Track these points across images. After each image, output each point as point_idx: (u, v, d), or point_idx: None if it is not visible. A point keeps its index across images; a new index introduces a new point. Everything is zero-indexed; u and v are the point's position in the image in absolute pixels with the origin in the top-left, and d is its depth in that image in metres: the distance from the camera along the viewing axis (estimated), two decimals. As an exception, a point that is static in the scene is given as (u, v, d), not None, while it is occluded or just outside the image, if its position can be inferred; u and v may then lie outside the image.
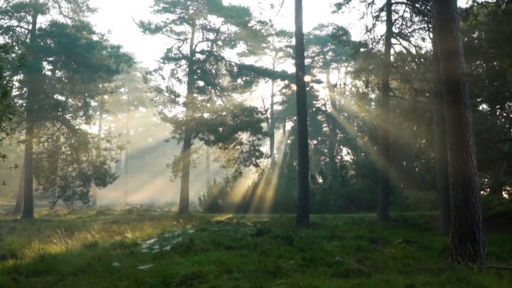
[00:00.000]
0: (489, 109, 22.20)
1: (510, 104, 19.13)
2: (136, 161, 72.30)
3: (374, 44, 23.25)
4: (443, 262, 9.15)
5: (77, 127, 29.40)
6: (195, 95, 31.24)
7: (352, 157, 41.60)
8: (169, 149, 47.10)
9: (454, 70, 9.25)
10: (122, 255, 9.76)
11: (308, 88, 44.06)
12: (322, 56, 49.92)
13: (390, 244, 12.20)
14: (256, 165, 30.81)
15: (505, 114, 21.39)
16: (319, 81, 46.27)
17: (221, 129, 29.55)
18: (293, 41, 28.53)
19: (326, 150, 49.31)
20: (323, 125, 49.87)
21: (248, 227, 14.78)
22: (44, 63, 29.06)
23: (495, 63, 17.41)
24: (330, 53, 49.16)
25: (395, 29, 23.10)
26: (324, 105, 49.36)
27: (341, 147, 48.08)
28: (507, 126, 20.38)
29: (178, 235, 11.55)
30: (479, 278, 6.65)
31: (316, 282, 6.43)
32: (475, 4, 17.34)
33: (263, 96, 48.89)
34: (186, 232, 12.10)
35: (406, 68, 24.30)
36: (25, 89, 28.56)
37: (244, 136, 31.57)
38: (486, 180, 23.85)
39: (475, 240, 8.87)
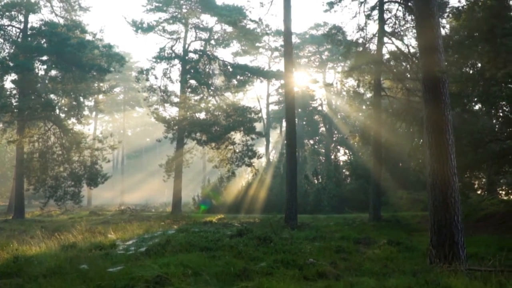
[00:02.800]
0: (483, 108, 21.91)
1: (502, 103, 18.83)
2: (133, 160, 72.30)
3: (366, 43, 23.06)
4: (422, 264, 8.93)
5: (70, 127, 29.17)
6: (188, 94, 31.03)
7: (348, 157, 41.38)
8: (166, 149, 46.90)
9: (433, 67, 9.03)
10: (96, 257, 9.55)
11: (304, 88, 43.91)
12: (318, 55, 49.71)
13: (374, 245, 11.99)
14: (249, 165, 30.56)
15: (501, 114, 21.08)
16: (315, 81, 46.01)
17: (213, 128, 29.31)
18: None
19: (323, 150, 49.06)
20: (320, 125, 49.62)
21: (232, 228, 14.58)
22: (36, 63, 28.87)
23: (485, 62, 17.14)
24: (326, 53, 48.95)
25: (387, 28, 22.91)
26: (321, 105, 49.13)
27: (338, 147, 47.86)
28: (497, 125, 20.10)
29: (156, 236, 11.35)
30: (451, 280, 6.43)
31: (281, 285, 6.22)
32: (468, 3, 17.09)
33: (260, 96, 48.73)
34: (166, 233, 11.90)
35: (399, 67, 24.07)
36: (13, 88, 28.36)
37: (238, 136, 31.34)
38: (484, 180, 23.55)
39: (454, 241, 8.65)
